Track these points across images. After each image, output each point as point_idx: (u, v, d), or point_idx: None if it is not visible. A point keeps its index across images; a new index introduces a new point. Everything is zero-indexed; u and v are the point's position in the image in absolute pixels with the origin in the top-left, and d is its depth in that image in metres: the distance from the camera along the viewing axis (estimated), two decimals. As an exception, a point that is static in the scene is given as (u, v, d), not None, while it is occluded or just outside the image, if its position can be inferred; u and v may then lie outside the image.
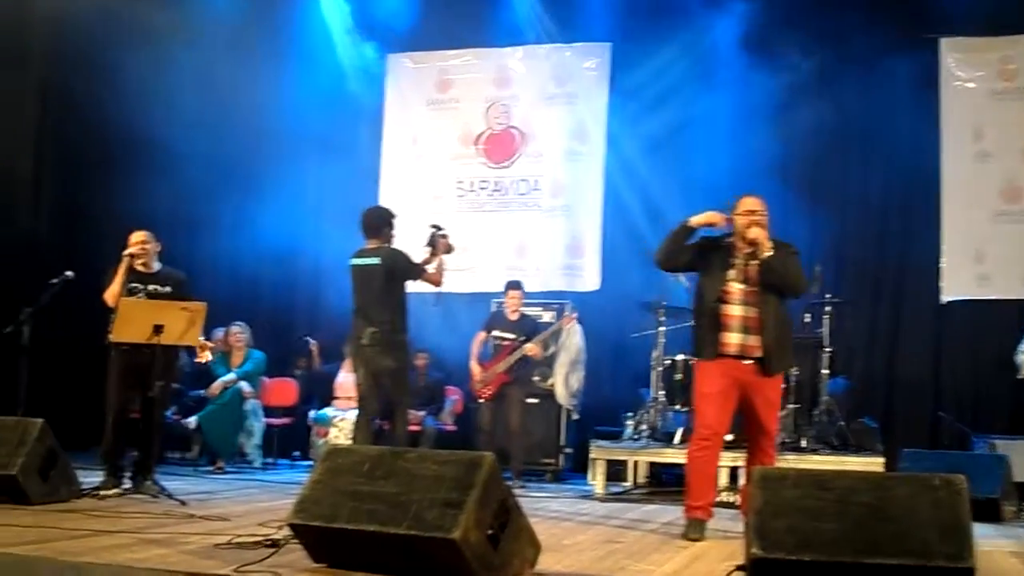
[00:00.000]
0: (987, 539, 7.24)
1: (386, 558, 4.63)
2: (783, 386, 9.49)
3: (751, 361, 6.57)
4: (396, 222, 8.86)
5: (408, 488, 4.66)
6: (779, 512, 4.28)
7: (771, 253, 6.50)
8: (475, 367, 10.43)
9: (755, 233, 6.49)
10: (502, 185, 12.92)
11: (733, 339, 6.56)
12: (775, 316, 6.62)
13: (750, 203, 6.70)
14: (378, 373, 8.26)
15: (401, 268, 8.48)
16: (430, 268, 8.66)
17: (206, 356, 8.73)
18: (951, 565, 4.13)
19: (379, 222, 8.69)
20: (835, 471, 4.79)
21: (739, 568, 4.38)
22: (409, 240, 12.44)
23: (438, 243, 8.75)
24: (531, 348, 10.33)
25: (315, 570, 4.77)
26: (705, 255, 6.77)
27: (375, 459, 4.89)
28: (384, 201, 12.62)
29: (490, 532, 4.61)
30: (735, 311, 6.59)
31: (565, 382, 11.13)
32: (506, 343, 10.41)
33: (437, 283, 8.72)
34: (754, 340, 6.56)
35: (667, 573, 5.20)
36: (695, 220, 6.63)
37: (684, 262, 6.89)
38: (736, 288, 6.58)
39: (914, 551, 4.15)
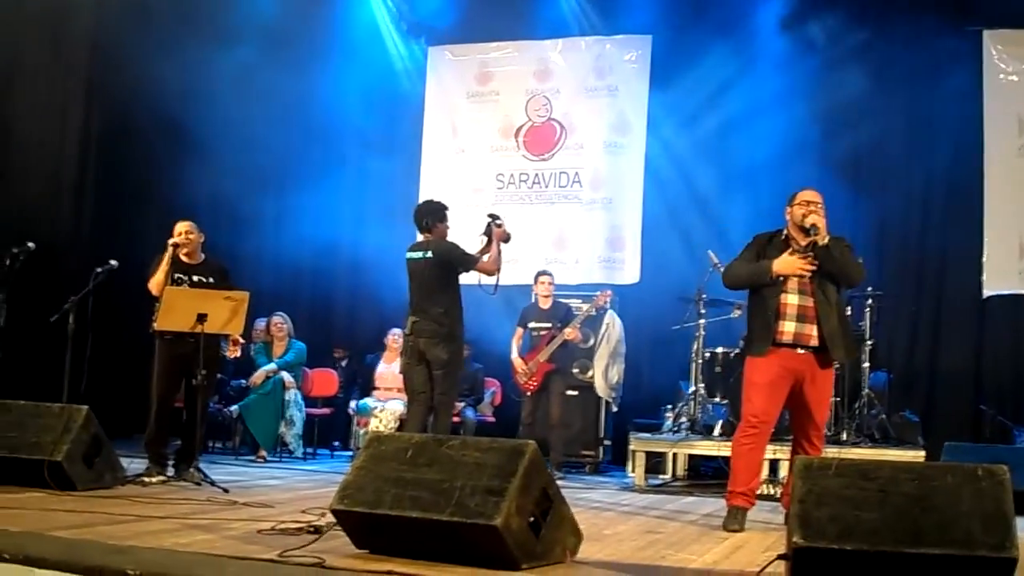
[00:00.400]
0: (1030, 532, 7.23)
1: (428, 544, 4.67)
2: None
3: (806, 350, 6.58)
4: (449, 215, 8.83)
5: (451, 475, 4.70)
6: (822, 501, 4.28)
7: (828, 240, 6.51)
8: (518, 362, 10.46)
9: (813, 219, 6.51)
10: (542, 178, 12.92)
11: (789, 328, 6.57)
12: (832, 305, 6.63)
13: (808, 195, 6.74)
14: (431, 364, 8.25)
15: (453, 260, 8.46)
16: (485, 258, 8.60)
17: (236, 351, 8.85)
18: (994, 555, 4.12)
19: (430, 216, 8.65)
20: (878, 460, 4.75)
21: (781, 557, 4.38)
22: (454, 232, 12.67)
23: (493, 232, 8.74)
24: (570, 332, 10.38)
25: (358, 556, 4.80)
26: (763, 252, 6.79)
27: (418, 446, 4.93)
28: (424, 194, 12.72)
29: (532, 519, 4.64)
30: (792, 300, 6.60)
31: (605, 374, 11.16)
32: (543, 332, 10.47)
33: (491, 272, 8.69)
34: (810, 329, 6.57)
35: (708, 563, 5.21)
36: (777, 270, 6.61)
37: None
38: (806, 271, 6.59)
39: (956, 541, 4.14)
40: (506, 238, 8.78)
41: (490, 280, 8.72)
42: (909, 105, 11.92)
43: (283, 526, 5.56)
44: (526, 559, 4.57)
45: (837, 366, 9.25)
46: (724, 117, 12.22)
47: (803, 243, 6.63)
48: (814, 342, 6.56)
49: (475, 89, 13.37)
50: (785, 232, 6.79)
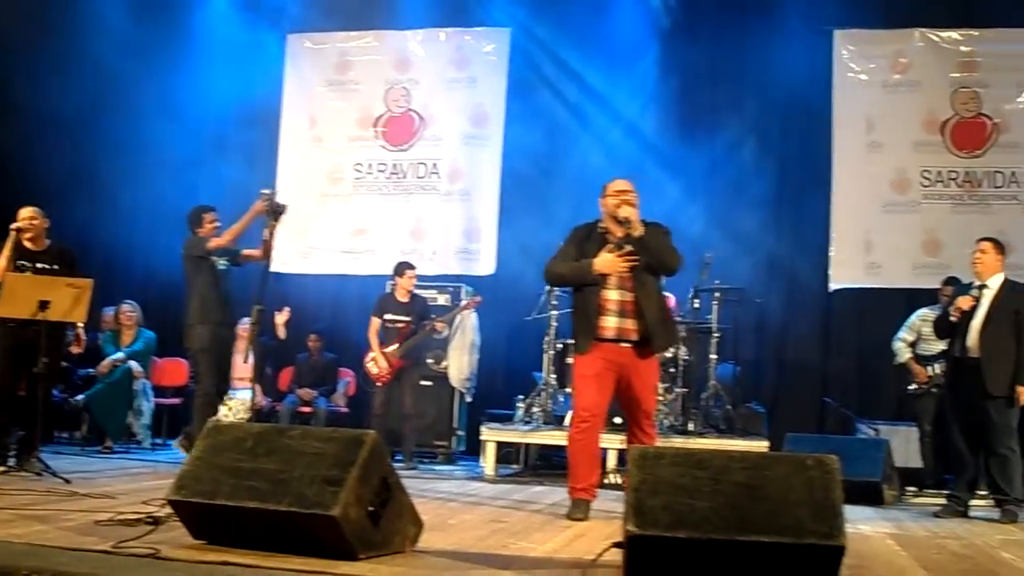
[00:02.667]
0: (867, 521, 7.46)
1: (267, 535, 4.62)
2: (672, 370, 9.72)
3: (628, 344, 6.67)
4: (211, 215, 9.28)
5: (289, 465, 4.65)
6: (656, 490, 4.33)
7: (642, 231, 6.60)
8: (378, 354, 10.43)
9: (626, 212, 6.59)
10: (400, 168, 12.87)
11: (611, 323, 6.67)
12: (652, 298, 6.72)
13: (619, 184, 6.83)
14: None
15: (187, 248, 9.03)
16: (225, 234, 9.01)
17: (80, 348, 8.76)
18: (822, 543, 4.22)
19: (189, 222, 9.21)
20: (711, 450, 4.85)
21: (616, 545, 4.43)
22: (305, 222, 12.59)
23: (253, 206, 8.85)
24: (440, 324, 10.41)
25: (194, 546, 4.73)
26: (582, 246, 6.84)
27: (257, 436, 4.87)
28: (281, 183, 12.64)
29: (371, 509, 4.62)
30: (612, 295, 6.69)
31: (459, 365, 11.20)
32: (399, 325, 10.45)
33: (259, 258, 8.72)
34: (631, 323, 6.67)
35: (548, 551, 5.25)
36: (598, 270, 6.67)
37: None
38: (623, 269, 6.65)
39: (786, 529, 4.23)
40: (270, 211, 8.76)
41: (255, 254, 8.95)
42: (762, 101, 12.19)
43: (121, 517, 5.45)
44: (364, 549, 4.55)
45: (671, 353, 9.49)
46: (579, 112, 12.35)
47: (619, 234, 6.69)
48: (635, 336, 6.67)
49: (334, 78, 13.24)
50: (602, 224, 6.86)
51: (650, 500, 4.31)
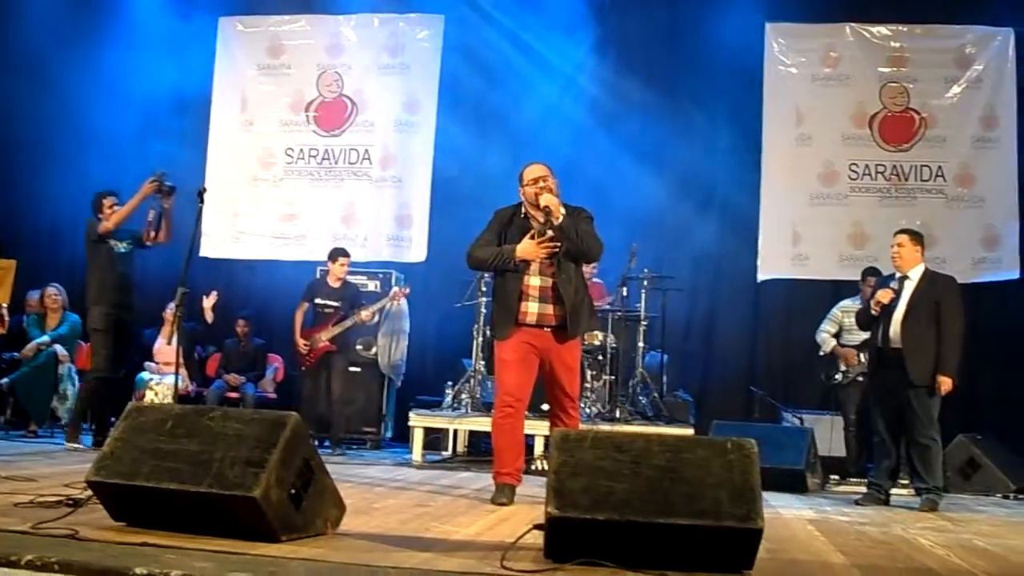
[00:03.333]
0: (789, 507, 7.54)
1: (187, 516, 4.58)
2: (600, 358, 9.77)
3: (549, 329, 6.70)
4: (111, 199, 9.33)
5: (210, 446, 4.61)
6: (576, 472, 4.35)
7: (563, 219, 6.61)
8: (299, 339, 10.40)
9: (547, 200, 6.60)
10: (332, 154, 12.81)
11: (532, 308, 6.69)
12: (573, 284, 6.74)
13: (535, 171, 6.82)
14: None
15: (86, 235, 9.21)
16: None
17: (2, 329, 8.66)
18: (739, 526, 4.25)
19: (93, 205, 9.32)
20: (632, 433, 4.88)
21: (536, 527, 4.45)
22: (235, 207, 12.50)
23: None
24: (366, 314, 10.37)
25: (114, 528, 4.68)
26: (503, 231, 6.85)
27: (178, 417, 4.83)
28: (211, 167, 12.58)
29: (292, 491, 4.60)
30: (534, 281, 6.71)
31: (388, 351, 11.20)
32: (329, 310, 10.42)
33: (162, 239, 9.13)
34: (551, 309, 6.69)
35: (470, 534, 5.26)
36: (520, 256, 6.66)
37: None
38: (543, 254, 6.66)
39: (704, 512, 4.26)
40: (161, 192, 8.78)
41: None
42: (694, 92, 12.29)
43: (42, 499, 5.38)
44: (286, 531, 4.53)
45: (599, 340, 9.54)
46: (512, 98, 12.36)
47: (542, 220, 6.70)
48: (556, 321, 6.70)
49: (266, 62, 13.14)
50: (524, 209, 6.86)
51: (570, 482, 4.32)
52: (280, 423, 4.65)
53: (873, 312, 8.15)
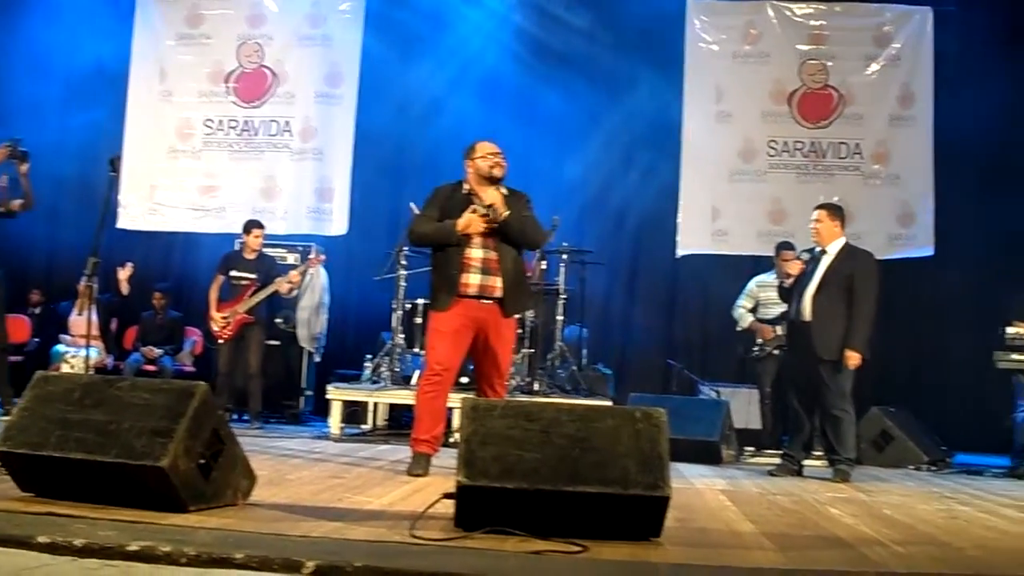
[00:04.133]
0: (702, 478, 7.63)
1: (95, 487, 4.53)
2: (519, 331, 9.78)
3: (490, 301, 6.70)
4: None
5: (118, 416, 4.57)
6: (486, 441, 4.37)
7: (507, 214, 6.62)
8: (214, 312, 10.30)
9: (492, 197, 6.62)
10: (252, 125, 12.65)
11: (473, 280, 6.68)
12: (510, 257, 6.76)
13: (488, 147, 6.84)
14: None
15: None
16: None
17: None
18: (647, 494, 4.30)
19: None
20: (542, 403, 4.91)
21: (447, 496, 4.46)
22: (153, 178, 12.37)
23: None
24: (283, 284, 10.28)
25: (21, 498, 4.62)
26: (444, 207, 6.83)
27: (85, 387, 4.77)
28: (129, 139, 12.41)
29: (201, 462, 4.57)
30: (476, 253, 6.70)
31: (308, 325, 11.15)
32: (245, 283, 10.33)
33: (26, 206, 9.17)
34: (493, 281, 6.70)
35: (383, 504, 5.27)
36: (461, 230, 6.64)
37: None
38: (484, 227, 6.67)
39: (612, 480, 4.30)
40: (15, 157, 8.74)
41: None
42: (616, 67, 12.36)
43: (-53, 471, 5.31)
44: (194, 501, 4.50)
45: (532, 316, 9.58)
46: (435, 72, 12.33)
47: (486, 201, 6.71)
48: (498, 293, 6.71)
49: (185, 32, 12.92)
50: (467, 186, 6.85)
51: (480, 451, 4.34)
52: (188, 393, 4.62)
53: (785, 285, 8.25)
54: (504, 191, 6.80)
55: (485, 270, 6.70)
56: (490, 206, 6.63)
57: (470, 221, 6.65)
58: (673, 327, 12.25)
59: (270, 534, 4.10)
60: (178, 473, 4.40)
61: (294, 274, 10.40)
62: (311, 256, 10.96)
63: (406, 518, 4.58)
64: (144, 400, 4.61)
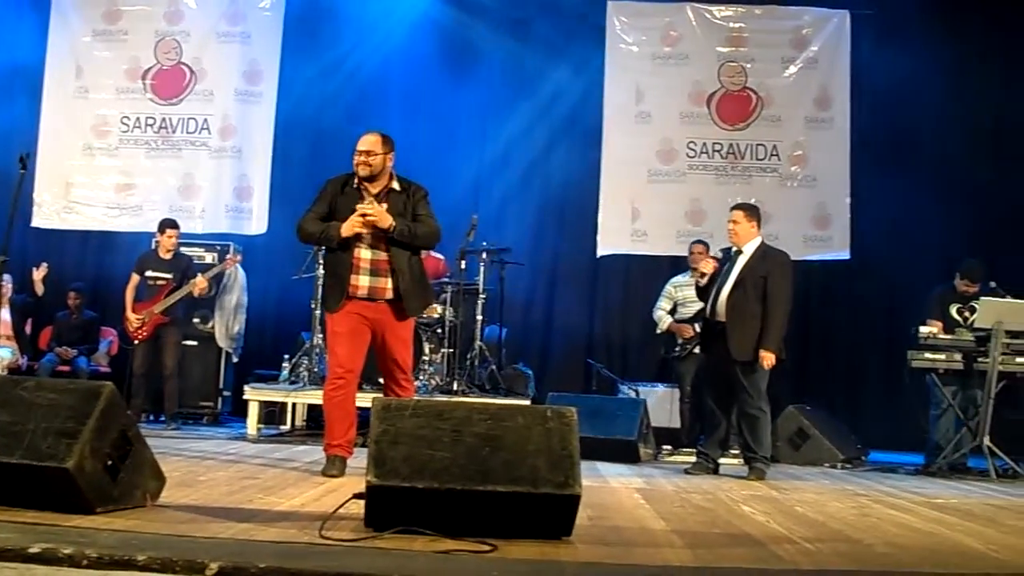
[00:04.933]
0: (619, 477, 7.66)
1: (1, 488, 4.46)
2: (439, 331, 9.78)
3: (382, 302, 6.66)
4: None
5: (24, 417, 4.49)
6: (397, 441, 4.34)
7: (392, 225, 6.54)
8: (130, 313, 10.18)
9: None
10: (169, 123, 12.55)
11: (363, 282, 6.62)
12: (404, 257, 6.69)
13: (362, 142, 6.70)
14: None
15: None
16: None
17: None
18: (557, 492, 4.30)
19: None
20: (454, 402, 4.91)
21: (357, 496, 4.43)
22: (69, 176, 12.19)
23: None
24: (200, 283, 10.16)
25: (-77, 502, 4.54)
26: (334, 201, 6.73)
27: (-10, 387, 4.70)
28: (44, 136, 12.26)
29: (108, 463, 4.51)
30: (365, 254, 6.63)
31: (226, 325, 11.04)
32: (161, 283, 10.22)
33: None
34: (384, 282, 6.64)
35: (295, 505, 5.22)
36: (345, 234, 6.54)
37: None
38: (365, 231, 6.60)
39: (523, 479, 4.29)
40: None
41: None
42: (537, 66, 12.38)
43: None
44: (101, 502, 4.44)
45: (438, 313, 9.55)
46: (356, 70, 12.29)
47: (375, 191, 6.66)
48: (389, 294, 6.66)
49: (102, 28, 12.76)
50: (357, 180, 6.74)
51: (391, 451, 4.32)
52: (95, 393, 4.55)
53: (699, 283, 8.33)
54: (396, 186, 6.74)
55: (375, 271, 6.63)
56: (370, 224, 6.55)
57: (352, 225, 6.56)
58: (593, 326, 12.31)
59: (175, 536, 4.05)
60: (84, 474, 4.34)
61: (202, 280, 10.25)
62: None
63: (317, 519, 4.54)
64: (50, 400, 4.54)
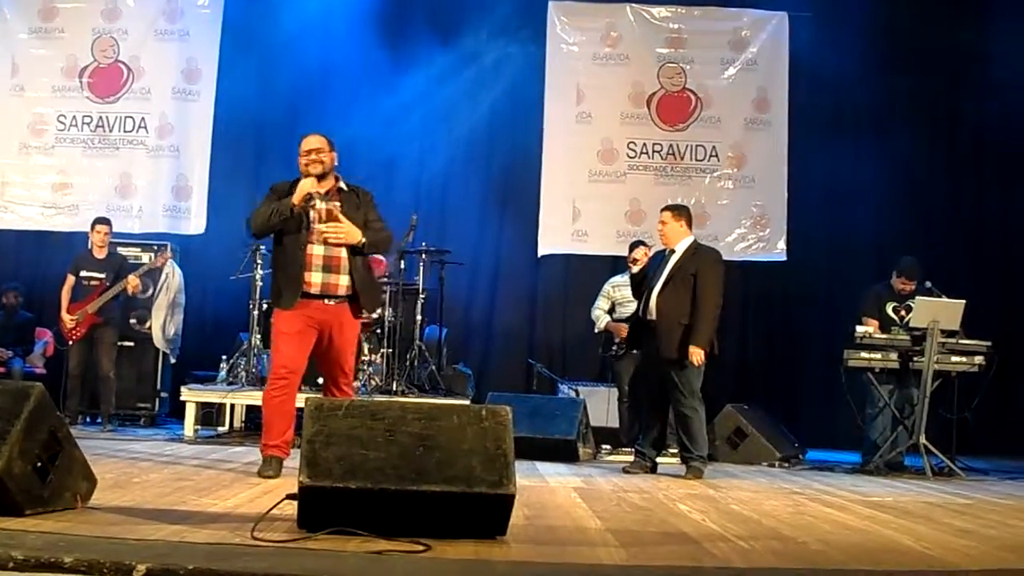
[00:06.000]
0: (558, 476, 7.68)
1: (-73, 492, 4.40)
2: (378, 331, 9.76)
3: (334, 300, 6.63)
4: None
5: (-50, 419, 4.44)
6: (330, 441, 4.32)
7: (365, 242, 6.58)
8: (65, 315, 10.07)
9: (342, 239, 6.52)
10: (106, 121, 12.39)
11: (316, 279, 6.58)
12: (358, 258, 6.68)
13: (308, 142, 6.67)
14: None
15: None
16: None
17: None
18: (491, 492, 4.30)
19: None
20: (388, 401, 4.89)
21: (290, 496, 4.41)
22: (3, 175, 12.04)
23: None
24: (132, 281, 10.05)
25: None
26: (293, 214, 6.69)
27: (-84, 389, 4.62)
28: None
29: (38, 464, 4.46)
30: (318, 251, 6.59)
31: (163, 325, 10.95)
32: (95, 283, 10.13)
33: None
34: (336, 279, 6.61)
35: (228, 507, 5.18)
36: (297, 201, 6.50)
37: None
38: (319, 227, 6.58)
39: (457, 478, 4.29)
40: None
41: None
42: (480, 65, 12.39)
43: None
44: (30, 504, 4.38)
45: (377, 313, 9.54)
46: (295, 67, 12.25)
47: (323, 190, 6.65)
48: (342, 291, 6.63)
49: (38, 25, 12.58)
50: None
51: (324, 452, 4.30)
52: (23, 394, 4.50)
53: (632, 272, 8.44)
54: (343, 186, 6.74)
55: (328, 268, 6.59)
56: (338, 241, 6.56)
57: (303, 188, 6.51)
58: (534, 326, 12.35)
59: (104, 537, 4.00)
60: (12, 476, 4.28)
61: (133, 278, 10.14)
62: (158, 252, 10.74)
63: (251, 520, 4.51)
64: (-22, 403, 4.48)
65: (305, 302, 6.60)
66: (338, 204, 6.60)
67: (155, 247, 11.29)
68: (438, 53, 12.36)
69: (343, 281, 6.63)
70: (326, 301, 6.62)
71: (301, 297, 6.59)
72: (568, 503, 6.11)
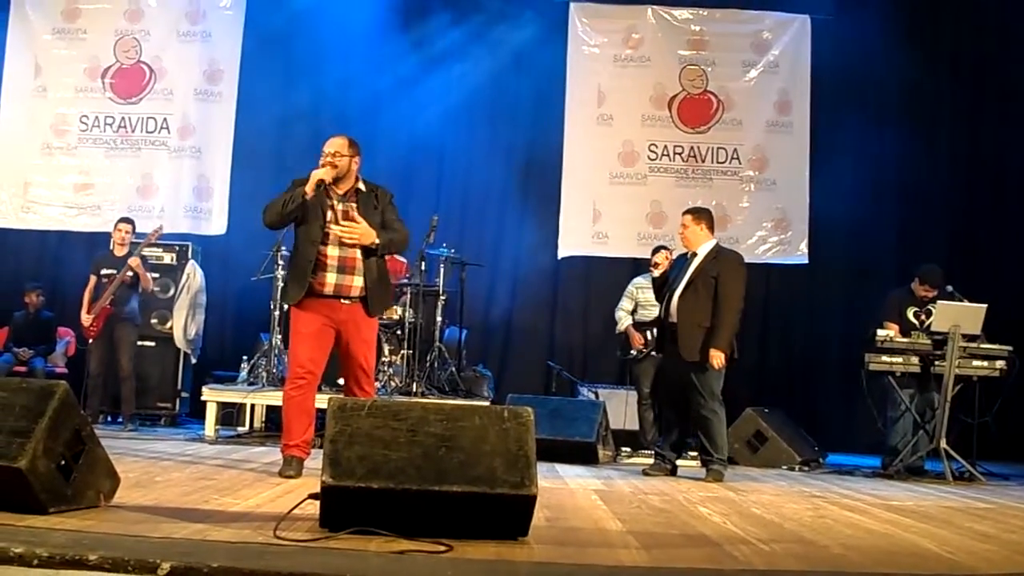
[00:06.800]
0: (577, 478, 7.66)
1: (-48, 489, 4.42)
2: (399, 332, 9.76)
3: (349, 300, 6.64)
4: None
5: (-25, 417, 4.46)
6: (352, 441, 4.33)
7: (379, 243, 6.60)
8: (83, 314, 10.11)
9: (357, 240, 6.55)
10: (128, 122, 12.49)
11: (330, 279, 6.60)
12: (372, 259, 6.69)
13: (330, 144, 6.69)
14: None
15: None
16: None
17: None
18: (513, 492, 4.30)
19: None
20: (410, 402, 4.89)
21: (312, 496, 4.42)
22: (26, 175, 12.10)
23: None
24: (132, 261, 10.02)
25: None
26: (305, 202, 6.70)
27: (-61, 387, 4.65)
28: (2, 135, 12.16)
29: (62, 462, 4.48)
30: (332, 251, 6.61)
31: (184, 325, 10.97)
32: (112, 279, 10.15)
33: None
34: (350, 280, 6.62)
35: (250, 506, 5.20)
36: (310, 189, 6.50)
37: (293, 219, 6.76)
38: (334, 229, 6.60)
39: (479, 479, 4.29)
40: None
41: None
42: (500, 72, 12.37)
43: None
44: (55, 503, 4.40)
45: (398, 315, 9.54)
46: (317, 68, 12.24)
47: (341, 191, 6.67)
48: (356, 292, 6.65)
49: (61, 26, 12.69)
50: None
51: (346, 451, 4.30)
52: (48, 392, 4.51)
53: (654, 276, 8.45)
54: (362, 187, 6.75)
55: (342, 268, 6.61)
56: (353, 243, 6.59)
57: (316, 174, 6.52)
58: (554, 328, 12.34)
59: (128, 535, 4.02)
60: (36, 474, 4.30)
61: (133, 259, 10.12)
62: (153, 229, 10.58)
63: (273, 519, 4.52)
64: (3, 400, 4.49)
65: (320, 302, 6.62)
66: (354, 205, 6.62)
67: (176, 247, 11.33)
68: (459, 54, 12.37)
69: (357, 282, 6.65)
70: (341, 301, 6.64)
71: (316, 297, 6.61)
72: (589, 505, 6.10)
